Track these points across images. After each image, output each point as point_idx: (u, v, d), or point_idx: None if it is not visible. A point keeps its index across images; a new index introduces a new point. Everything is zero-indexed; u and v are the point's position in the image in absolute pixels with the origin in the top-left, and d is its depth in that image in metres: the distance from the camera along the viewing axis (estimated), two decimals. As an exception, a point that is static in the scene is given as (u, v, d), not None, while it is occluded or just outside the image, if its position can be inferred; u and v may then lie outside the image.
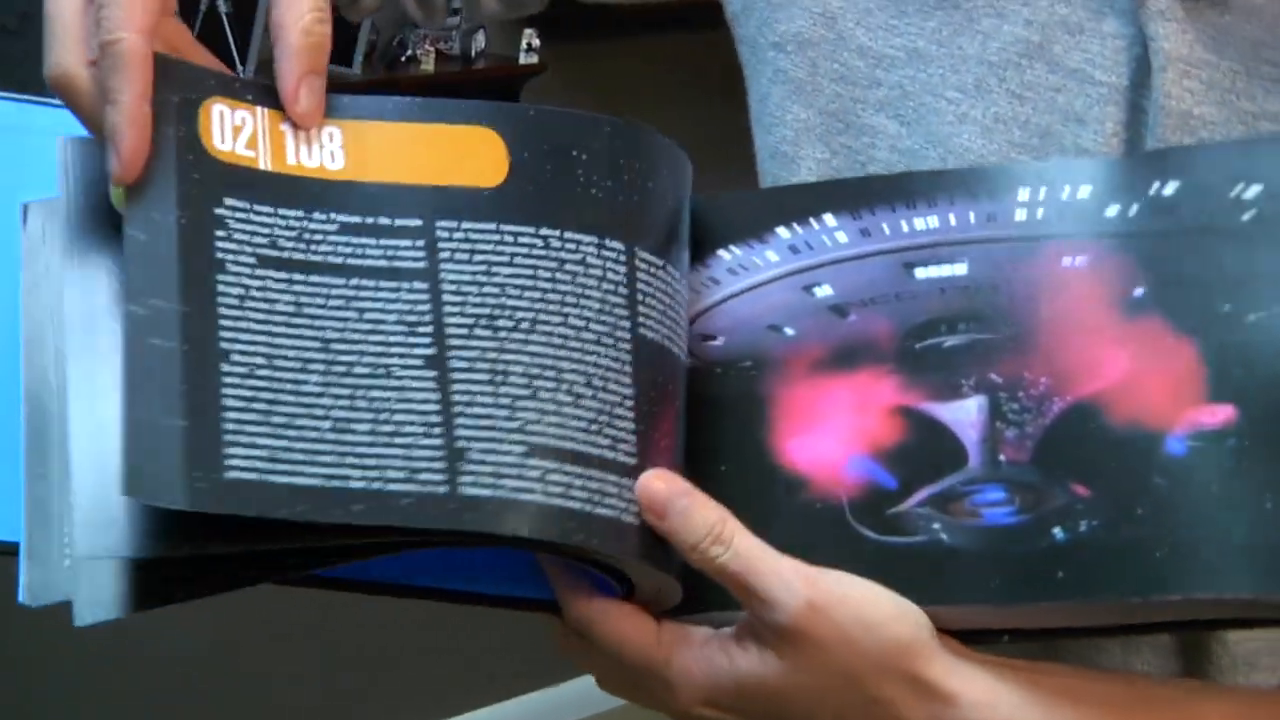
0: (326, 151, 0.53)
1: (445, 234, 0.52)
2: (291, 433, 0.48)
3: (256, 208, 0.51)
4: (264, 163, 0.52)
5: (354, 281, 0.51)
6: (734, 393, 0.55)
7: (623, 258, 0.52)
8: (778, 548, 0.50)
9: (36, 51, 0.53)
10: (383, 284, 0.51)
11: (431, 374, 0.50)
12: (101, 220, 0.52)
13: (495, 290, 0.51)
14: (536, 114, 0.54)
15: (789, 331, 0.55)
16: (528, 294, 0.51)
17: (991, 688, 0.49)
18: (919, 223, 0.55)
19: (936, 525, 0.50)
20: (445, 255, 0.52)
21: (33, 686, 1.82)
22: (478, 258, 0.51)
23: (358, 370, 0.50)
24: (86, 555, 0.48)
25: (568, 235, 0.52)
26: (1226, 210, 0.50)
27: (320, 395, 0.49)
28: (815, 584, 0.49)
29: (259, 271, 0.50)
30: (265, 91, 0.53)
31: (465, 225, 0.52)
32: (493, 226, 0.52)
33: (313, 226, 0.52)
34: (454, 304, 0.51)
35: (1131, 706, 0.51)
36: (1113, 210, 0.52)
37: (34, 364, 0.53)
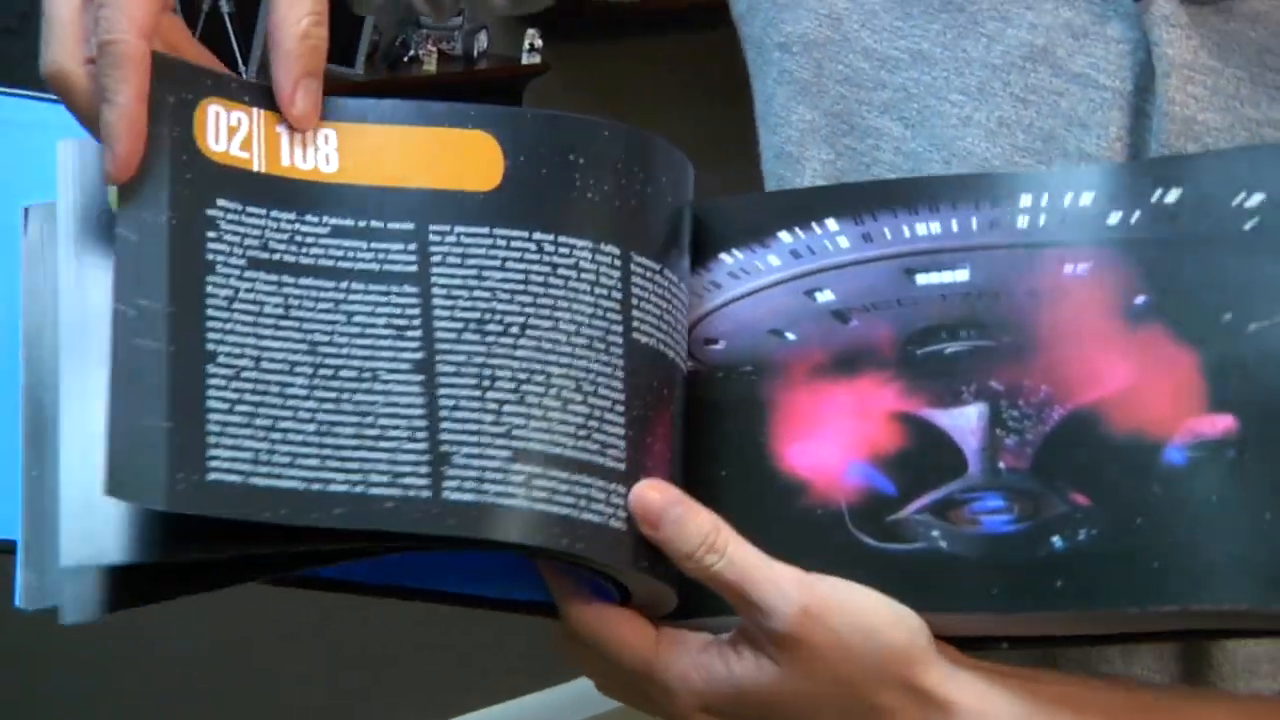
0: (322, 154, 0.53)
1: (438, 238, 0.52)
2: (276, 435, 0.48)
3: (249, 209, 0.51)
4: (258, 164, 0.52)
5: (344, 284, 0.51)
6: (735, 397, 0.55)
7: (618, 262, 0.52)
8: (777, 553, 0.50)
9: (37, 51, 0.53)
10: (372, 287, 0.51)
11: (418, 378, 0.50)
12: (100, 223, 0.52)
13: (486, 295, 0.51)
14: (534, 118, 0.54)
15: (790, 336, 0.55)
16: (519, 298, 0.51)
17: (988, 696, 0.49)
18: (921, 228, 0.54)
19: (935, 533, 0.50)
20: (437, 259, 0.51)
21: (35, 686, 1.82)
22: (469, 262, 0.51)
23: (344, 373, 0.50)
24: (72, 564, 0.48)
25: (562, 240, 0.52)
26: (1228, 219, 0.50)
27: (306, 398, 0.49)
28: (811, 591, 0.49)
29: (249, 273, 0.50)
30: (262, 93, 0.53)
31: (458, 229, 0.52)
32: (485, 231, 0.52)
33: (305, 229, 0.52)
34: (443, 308, 0.51)
35: (1130, 714, 0.51)
36: (1115, 218, 0.52)
37: (33, 366, 0.53)
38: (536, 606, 0.55)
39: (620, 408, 0.51)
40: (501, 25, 1.97)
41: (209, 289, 0.49)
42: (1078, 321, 0.51)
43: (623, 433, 0.51)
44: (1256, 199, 0.50)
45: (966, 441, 0.51)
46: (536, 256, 0.51)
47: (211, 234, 0.50)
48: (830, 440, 0.53)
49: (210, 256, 0.50)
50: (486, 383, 0.50)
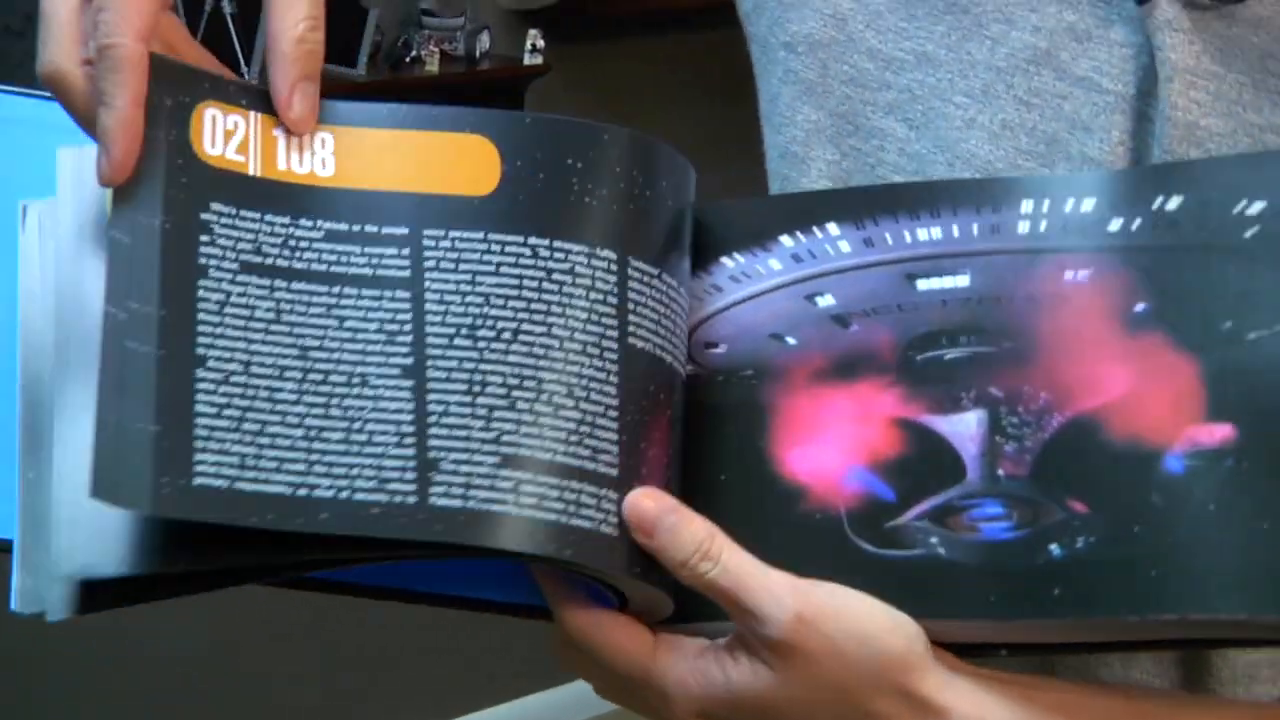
0: (318, 158, 0.53)
1: (432, 243, 0.52)
2: (263, 440, 0.48)
3: (243, 213, 0.51)
4: (254, 168, 0.52)
5: (337, 289, 0.51)
6: (735, 401, 0.55)
7: (614, 267, 0.52)
8: (775, 559, 0.50)
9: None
10: (365, 292, 0.51)
11: (408, 383, 0.50)
12: (99, 228, 0.52)
13: (478, 300, 0.51)
14: (532, 122, 0.54)
15: (790, 341, 0.55)
16: (512, 304, 0.51)
17: (985, 703, 0.49)
18: (922, 233, 0.54)
19: (934, 539, 0.50)
20: (430, 264, 0.51)
21: (33, 686, 1.82)
22: (463, 267, 0.51)
23: (334, 378, 0.50)
24: (65, 575, 0.48)
25: (557, 245, 0.52)
26: (1229, 226, 0.50)
27: (295, 403, 0.49)
28: (805, 597, 0.49)
29: (241, 278, 0.50)
30: (259, 96, 0.53)
31: (453, 234, 0.52)
32: (480, 236, 0.52)
33: (299, 233, 0.52)
34: (436, 313, 0.51)
35: None
36: (1116, 224, 0.52)
37: (29, 368, 0.53)
38: (537, 610, 0.55)
39: (614, 413, 0.51)
40: (503, 26, 1.97)
41: (201, 293, 0.49)
42: (1078, 328, 0.51)
43: (616, 438, 0.50)
44: (1258, 207, 0.50)
45: (966, 448, 0.51)
46: (531, 261, 0.51)
47: (205, 238, 0.50)
48: (830, 446, 0.53)
49: (203, 260, 0.50)
50: (477, 388, 0.50)
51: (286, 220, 0.52)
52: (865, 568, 0.51)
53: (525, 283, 0.51)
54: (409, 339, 0.50)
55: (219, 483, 0.47)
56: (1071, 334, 0.51)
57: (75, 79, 0.50)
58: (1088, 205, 0.52)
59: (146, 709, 1.92)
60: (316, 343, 0.50)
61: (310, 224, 0.52)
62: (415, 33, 1.86)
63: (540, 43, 1.94)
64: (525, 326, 0.50)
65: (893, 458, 0.52)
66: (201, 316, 0.49)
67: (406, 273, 0.51)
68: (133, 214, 0.49)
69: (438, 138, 0.53)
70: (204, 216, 0.50)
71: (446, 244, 0.52)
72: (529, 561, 0.50)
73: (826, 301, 0.55)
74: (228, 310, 0.50)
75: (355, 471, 0.48)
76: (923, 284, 0.54)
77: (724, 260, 0.57)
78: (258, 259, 0.51)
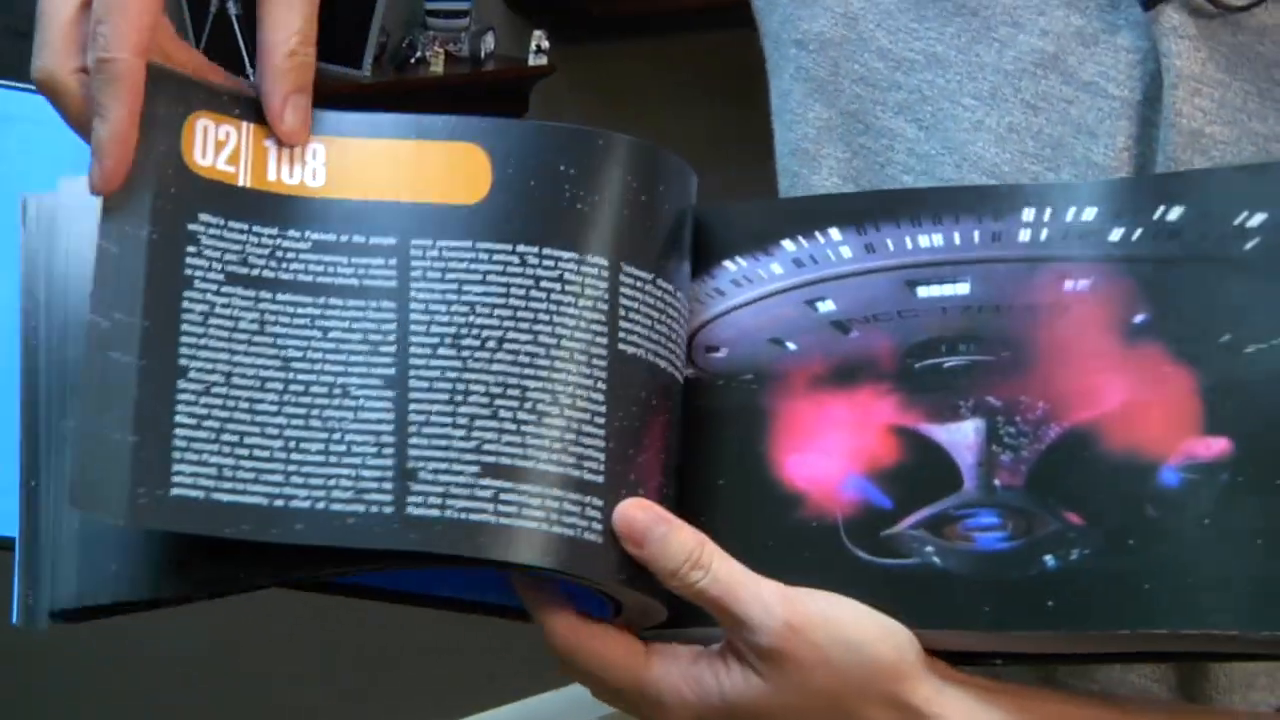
0: (309, 169, 0.53)
1: (419, 252, 0.52)
2: (242, 451, 0.48)
3: (231, 224, 0.51)
4: (243, 179, 0.52)
5: (322, 300, 0.51)
6: (734, 406, 0.55)
7: (605, 273, 0.52)
8: (771, 565, 0.50)
9: None
10: (351, 303, 0.51)
11: (389, 394, 0.50)
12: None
13: (464, 309, 0.51)
14: (524, 129, 0.54)
15: (791, 346, 0.55)
16: (498, 312, 0.51)
17: (976, 713, 0.49)
18: (924, 240, 0.54)
19: (929, 548, 0.50)
20: (417, 274, 0.52)
21: (33, 686, 1.82)
22: (450, 276, 0.51)
23: (315, 389, 0.50)
24: (62, 608, 0.49)
25: (546, 252, 0.52)
26: (1230, 238, 0.50)
27: (275, 414, 0.49)
28: (794, 606, 0.49)
29: (226, 289, 0.50)
30: (253, 106, 0.54)
31: (440, 243, 0.52)
32: (468, 244, 0.52)
33: (286, 244, 0.52)
34: (420, 323, 0.51)
35: None
36: (1116, 234, 0.52)
37: (30, 375, 0.53)
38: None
39: (601, 419, 0.51)
40: (508, 27, 1.97)
41: (185, 304, 0.50)
42: (1076, 338, 0.51)
43: (603, 444, 0.50)
44: (1259, 219, 0.50)
45: (962, 457, 0.51)
46: (519, 269, 0.51)
47: (191, 249, 0.50)
48: (828, 452, 0.53)
49: (189, 271, 0.50)
50: (459, 397, 0.50)
51: (274, 231, 0.52)
52: (860, 576, 0.50)
53: (512, 291, 0.51)
54: (392, 349, 0.50)
55: (196, 494, 0.47)
56: (1070, 344, 0.51)
57: (69, 85, 0.50)
58: (1089, 214, 0.52)
59: (147, 708, 1.92)
60: (299, 354, 0.50)
61: (298, 235, 0.52)
62: (420, 34, 1.86)
63: (545, 44, 1.93)
64: (511, 335, 0.50)
65: (890, 466, 0.52)
66: (185, 328, 0.49)
67: (393, 283, 0.51)
68: (120, 224, 0.49)
69: (429, 147, 0.53)
70: (191, 227, 0.51)
71: (434, 253, 0.52)
72: (509, 570, 0.50)
73: (827, 307, 0.55)
74: (211, 321, 0.50)
75: (332, 482, 0.48)
76: (923, 291, 0.54)
77: (726, 264, 0.57)
78: (244, 270, 0.51)
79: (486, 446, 0.49)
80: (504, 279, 0.51)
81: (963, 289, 0.53)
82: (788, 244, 0.56)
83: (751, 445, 0.54)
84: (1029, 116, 0.59)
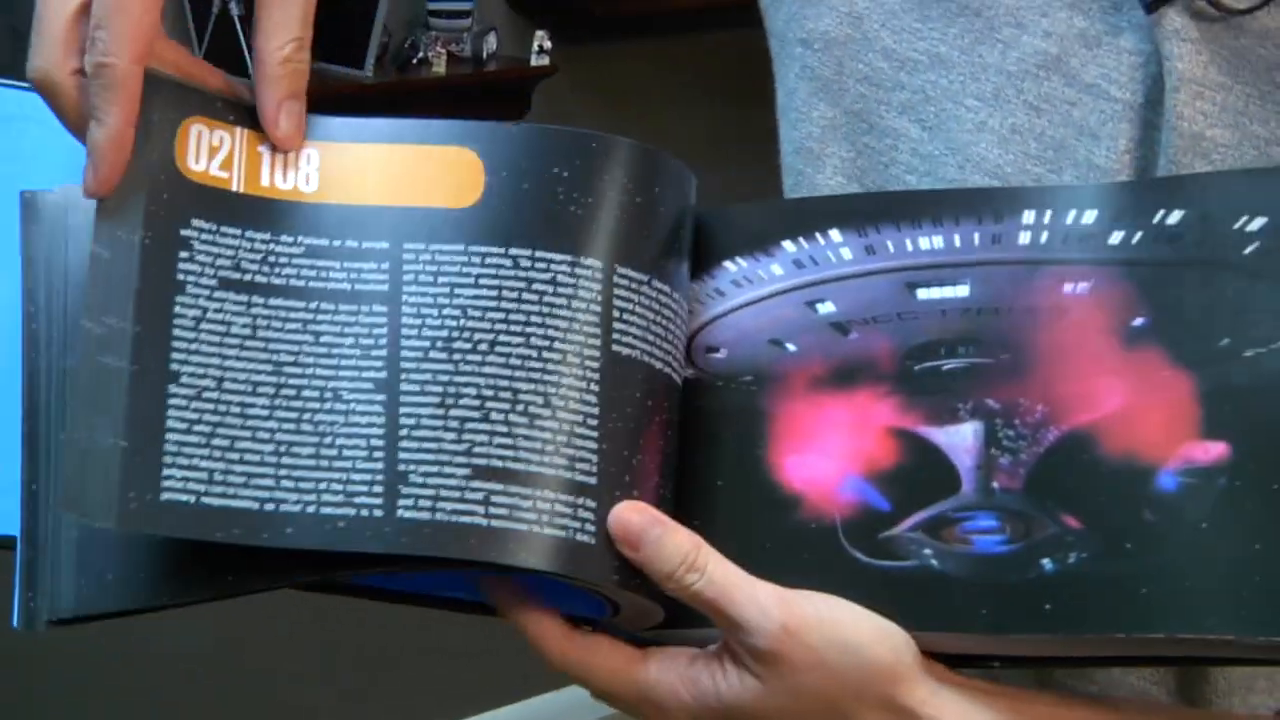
0: (303, 174, 0.53)
1: (411, 256, 0.52)
2: (233, 455, 0.49)
3: (224, 229, 0.52)
4: (237, 184, 0.52)
5: (314, 305, 0.51)
6: (734, 407, 0.55)
7: (599, 275, 0.52)
8: (769, 567, 0.50)
9: None
10: (343, 307, 0.51)
11: (380, 398, 0.50)
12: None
13: (456, 312, 0.51)
14: (517, 132, 0.54)
15: (790, 347, 0.55)
16: (490, 315, 0.51)
17: (972, 715, 0.49)
18: (924, 242, 0.54)
19: (927, 551, 0.50)
20: (409, 278, 0.52)
21: (34, 685, 1.82)
22: (442, 280, 0.52)
23: (306, 393, 0.50)
24: (61, 619, 0.50)
25: (539, 254, 0.52)
26: (1230, 242, 0.50)
27: (267, 418, 0.49)
28: (790, 608, 0.49)
29: (218, 294, 0.51)
30: (247, 112, 0.54)
31: (433, 247, 0.52)
32: (460, 248, 0.52)
33: (278, 249, 0.52)
34: (412, 326, 0.51)
35: None
36: (1116, 237, 0.52)
37: (31, 377, 0.53)
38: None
39: (594, 421, 0.51)
40: (510, 27, 1.97)
41: (177, 309, 0.50)
42: (1075, 341, 0.51)
43: (595, 446, 0.50)
44: (1259, 223, 0.50)
45: (961, 459, 0.51)
46: (512, 272, 0.51)
47: (184, 254, 0.51)
48: (826, 454, 0.53)
49: (181, 276, 0.50)
50: (450, 400, 0.50)
51: (267, 236, 0.52)
52: (858, 577, 0.50)
53: (504, 293, 0.51)
54: (384, 353, 0.51)
55: (186, 498, 0.48)
56: (1069, 347, 0.51)
57: (66, 87, 0.50)
58: (1089, 217, 0.52)
59: (148, 707, 1.92)
60: (291, 358, 0.50)
61: (291, 240, 0.52)
62: (422, 34, 1.86)
63: (547, 44, 1.93)
64: (503, 338, 0.50)
65: (888, 468, 0.52)
66: (177, 332, 0.50)
67: (385, 287, 0.52)
68: (114, 228, 0.50)
69: (423, 151, 0.54)
70: (184, 232, 0.51)
71: (426, 257, 0.52)
72: (502, 573, 0.50)
73: (827, 308, 0.55)
74: (203, 326, 0.50)
75: (323, 486, 0.49)
76: (923, 293, 0.54)
77: (727, 264, 0.57)
78: (236, 275, 0.51)
79: (477, 449, 0.49)
80: (496, 281, 0.51)
81: (962, 291, 0.53)
82: (788, 245, 0.56)
83: (750, 446, 0.54)
84: (1031, 118, 0.59)
